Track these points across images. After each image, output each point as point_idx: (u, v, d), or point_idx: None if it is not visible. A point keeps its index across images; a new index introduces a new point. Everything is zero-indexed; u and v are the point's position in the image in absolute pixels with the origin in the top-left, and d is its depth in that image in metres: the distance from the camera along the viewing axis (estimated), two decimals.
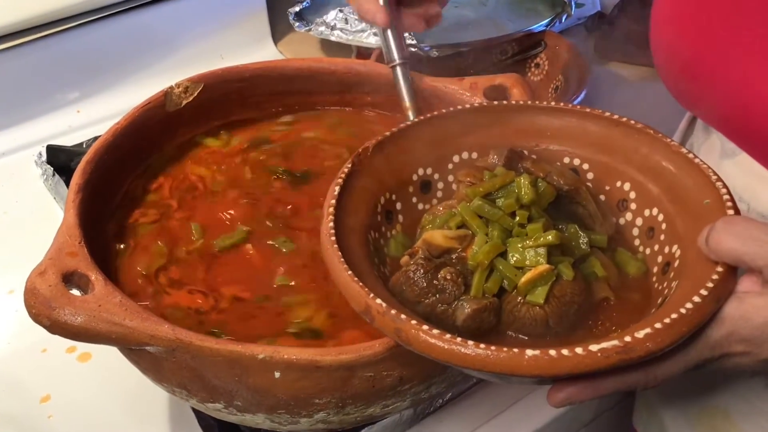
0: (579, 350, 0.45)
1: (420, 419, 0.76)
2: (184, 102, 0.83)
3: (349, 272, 0.52)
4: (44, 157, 1.02)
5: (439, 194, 0.67)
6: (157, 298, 0.69)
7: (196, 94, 0.83)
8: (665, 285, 0.56)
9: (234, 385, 0.59)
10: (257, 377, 0.58)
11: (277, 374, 0.58)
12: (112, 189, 0.77)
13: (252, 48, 1.27)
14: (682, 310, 0.47)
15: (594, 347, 0.46)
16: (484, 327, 0.54)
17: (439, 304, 0.54)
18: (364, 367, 0.58)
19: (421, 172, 0.66)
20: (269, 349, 0.57)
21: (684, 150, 0.60)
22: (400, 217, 0.64)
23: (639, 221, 0.62)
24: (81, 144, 1.07)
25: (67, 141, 1.08)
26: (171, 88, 0.82)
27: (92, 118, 1.14)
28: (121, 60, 1.18)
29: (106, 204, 0.75)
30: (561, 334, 0.55)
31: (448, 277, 0.55)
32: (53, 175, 1.00)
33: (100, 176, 0.74)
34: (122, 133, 0.77)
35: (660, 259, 0.59)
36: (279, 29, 1.31)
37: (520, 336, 0.55)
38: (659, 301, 0.55)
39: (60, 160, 1.02)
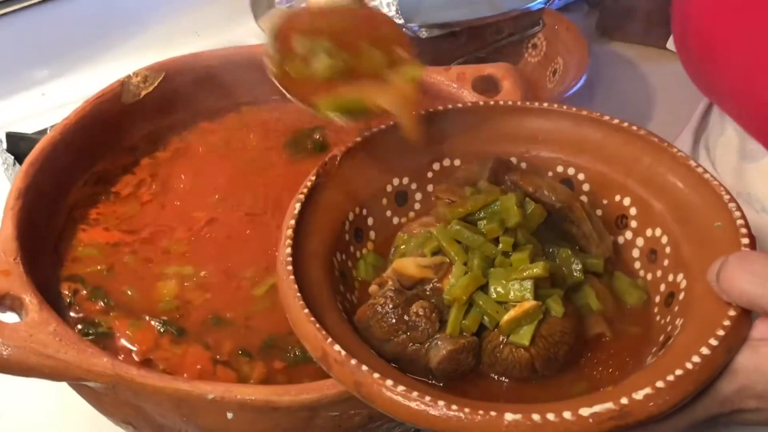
0: (567, 415, 0.39)
1: None
2: (144, 92, 0.76)
3: (306, 311, 0.45)
4: (4, 145, 0.95)
5: (417, 206, 0.60)
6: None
7: (156, 84, 0.76)
8: (668, 320, 0.49)
9: (182, 425, 0.53)
10: (207, 418, 0.52)
11: (229, 415, 0.52)
12: (61, 191, 0.70)
13: (230, 25, 1.19)
14: (689, 365, 0.41)
15: (585, 411, 0.39)
16: (461, 369, 0.48)
17: (411, 343, 0.48)
18: (328, 407, 0.52)
19: (396, 182, 0.59)
20: (220, 389, 0.51)
21: (692, 163, 0.52)
22: (372, 234, 0.57)
23: (640, 242, 0.55)
24: (44, 130, 0.98)
25: (30, 127, 1.00)
26: (128, 77, 0.75)
27: (58, 101, 1.07)
28: (89, 38, 1.11)
29: (52, 209, 0.69)
30: (549, 376, 0.48)
31: (421, 313, 0.48)
32: (14, 164, 0.93)
33: (47, 178, 0.67)
34: (72, 129, 0.70)
35: (663, 287, 0.52)
36: (260, 5, 1.22)
37: (501, 379, 0.48)
38: (661, 338, 0.48)
39: (21, 149, 0.94)
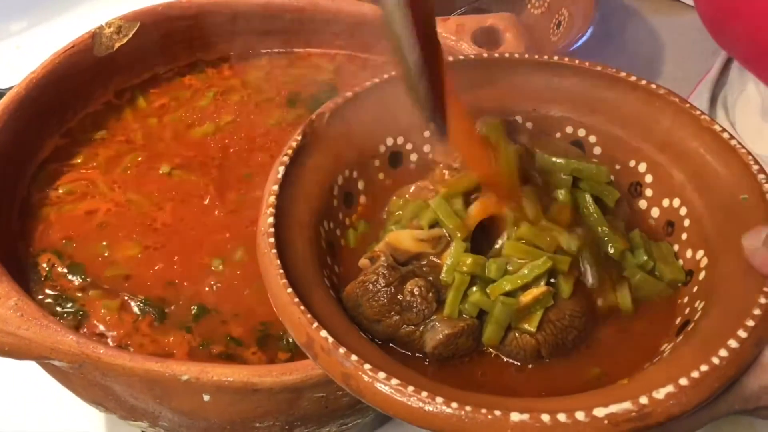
0: (580, 416, 0.35)
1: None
2: (117, 45, 0.70)
3: (289, 290, 0.41)
4: None
5: (412, 167, 0.55)
6: None
7: (131, 35, 0.70)
8: (686, 301, 0.45)
9: (155, 406, 0.49)
10: (182, 400, 0.48)
11: (206, 397, 0.48)
12: (28, 152, 0.65)
13: None
14: (715, 360, 0.36)
15: (599, 412, 0.35)
16: (459, 353, 0.43)
17: (404, 325, 0.43)
18: (314, 388, 0.48)
19: (390, 141, 0.54)
20: (195, 369, 0.46)
21: (717, 127, 0.48)
22: (362, 199, 0.52)
23: (655, 212, 0.50)
24: None
25: (4, 82, 0.95)
26: (100, 28, 0.69)
27: (34, 54, 1.00)
28: None
29: (19, 172, 0.64)
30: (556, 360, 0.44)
31: (416, 292, 0.43)
32: None
33: (11, 138, 0.62)
34: (39, 84, 0.65)
35: (681, 264, 0.47)
36: None
37: (504, 359, 0.44)
38: (678, 320, 0.44)
39: None
